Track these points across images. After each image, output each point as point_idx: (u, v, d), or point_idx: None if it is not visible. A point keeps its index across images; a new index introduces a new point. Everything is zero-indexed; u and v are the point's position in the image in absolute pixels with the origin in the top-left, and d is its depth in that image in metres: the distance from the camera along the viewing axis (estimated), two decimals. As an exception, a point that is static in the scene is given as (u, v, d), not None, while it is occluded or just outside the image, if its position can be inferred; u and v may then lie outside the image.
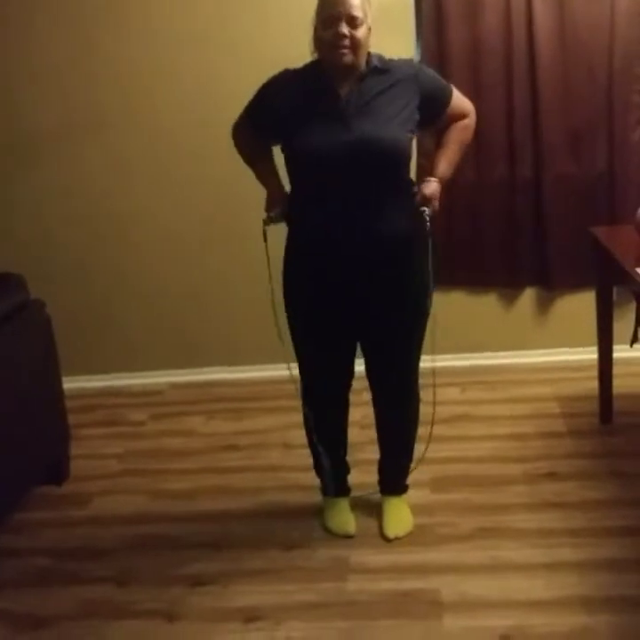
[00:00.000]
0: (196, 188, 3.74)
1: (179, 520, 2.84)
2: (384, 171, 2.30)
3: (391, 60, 2.38)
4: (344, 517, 2.70)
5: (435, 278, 2.42)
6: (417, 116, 2.34)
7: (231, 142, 2.54)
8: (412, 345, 2.52)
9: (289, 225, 2.46)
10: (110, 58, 3.61)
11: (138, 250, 3.84)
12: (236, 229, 3.44)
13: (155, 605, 2.40)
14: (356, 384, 2.62)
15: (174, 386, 3.93)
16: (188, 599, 2.42)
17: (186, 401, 3.80)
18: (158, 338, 3.94)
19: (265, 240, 2.42)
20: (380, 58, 2.37)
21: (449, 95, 2.43)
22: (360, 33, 2.25)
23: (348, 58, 2.27)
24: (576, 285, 3.67)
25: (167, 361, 3.97)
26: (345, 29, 2.23)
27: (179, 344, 3.95)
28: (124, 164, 3.74)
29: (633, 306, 3.12)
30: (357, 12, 2.23)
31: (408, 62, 2.44)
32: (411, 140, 2.34)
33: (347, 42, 2.24)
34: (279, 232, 2.46)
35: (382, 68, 2.34)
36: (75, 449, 3.22)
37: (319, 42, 2.29)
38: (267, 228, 2.42)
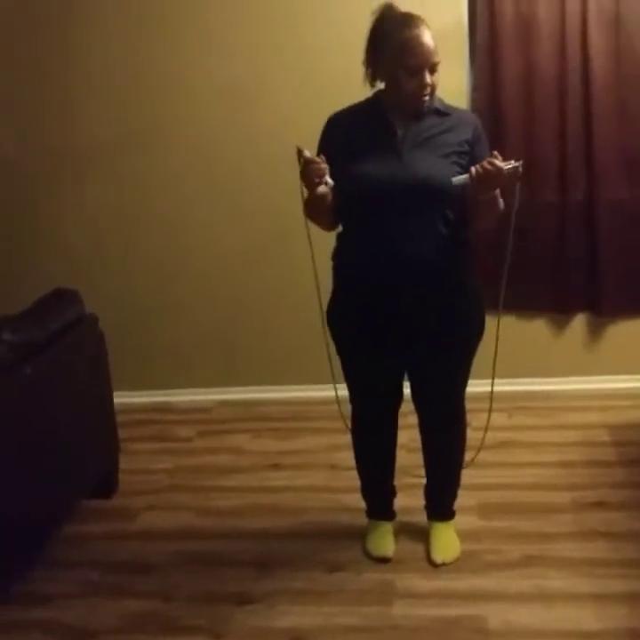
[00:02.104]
0: (248, 202, 3.77)
1: (224, 537, 2.86)
2: (435, 207, 2.31)
3: (451, 106, 2.41)
4: (385, 541, 2.69)
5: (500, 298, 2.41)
6: (466, 163, 2.32)
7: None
8: (459, 371, 2.52)
9: (338, 261, 2.47)
10: (166, 73, 3.66)
11: (189, 265, 3.88)
12: (288, 245, 3.45)
13: (200, 622, 2.42)
14: (403, 407, 2.62)
15: (222, 403, 3.96)
16: (233, 617, 2.43)
17: (233, 418, 3.82)
18: (207, 355, 3.97)
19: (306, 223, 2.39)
20: (441, 101, 2.39)
21: None
22: (436, 77, 2.28)
23: (429, 104, 2.31)
24: (629, 312, 3.63)
25: (215, 378, 3.99)
26: (429, 79, 2.26)
27: (227, 361, 3.97)
28: (177, 178, 3.79)
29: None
30: (437, 58, 2.26)
31: (470, 113, 2.49)
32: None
33: (429, 90, 2.28)
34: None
35: (442, 111, 2.37)
36: (123, 463, 3.26)
37: (400, 87, 2.28)
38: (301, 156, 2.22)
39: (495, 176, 2.18)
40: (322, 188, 2.24)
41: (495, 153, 2.21)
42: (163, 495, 3.17)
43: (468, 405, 2.61)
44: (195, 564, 2.71)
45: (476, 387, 2.61)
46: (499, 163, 2.18)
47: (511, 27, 3.46)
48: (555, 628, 2.27)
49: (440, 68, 2.31)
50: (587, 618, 2.30)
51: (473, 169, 2.20)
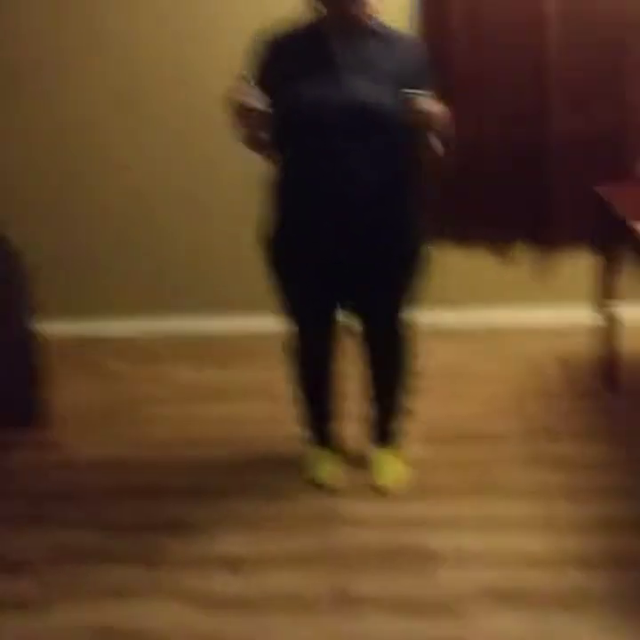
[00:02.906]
0: (181, 125, 3.64)
1: (158, 467, 2.79)
2: (376, 132, 2.24)
3: (393, 30, 2.34)
4: (329, 469, 2.65)
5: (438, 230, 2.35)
6: (408, 87, 2.22)
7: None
8: (404, 301, 2.48)
9: (278, 189, 2.38)
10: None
11: (125, 192, 3.74)
12: (230, 174, 3.34)
13: (136, 552, 2.35)
14: (348, 336, 2.56)
15: (159, 334, 3.83)
16: (171, 546, 2.36)
17: (168, 349, 3.72)
18: (142, 283, 3.84)
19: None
20: (382, 24, 2.32)
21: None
22: None
23: (365, 23, 2.24)
24: (578, 242, 3.57)
25: (151, 308, 3.86)
26: None
27: (164, 290, 3.84)
28: (110, 97, 3.63)
29: (635, 264, 3.05)
30: None
31: (412, 38, 2.45)
32: (401, 104, 2.20)
33: (367, 9, 2.21)
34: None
35: (383, 34, 2.30)
36: (54, 394, 3.12)
37: (336, 6, 2.22)
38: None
39: (435, 111, 2.16)
40: (263, 135, 2.15)
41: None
42: (94, 426, 3.06)
43: (418, 335, 2.57)
44: (129, 494, 2.63)
45: (422, 317, 2.57)
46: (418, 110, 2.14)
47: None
48: (502, 553, 2.26)
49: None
50: (536, 543, 2.29)
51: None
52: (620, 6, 3.38)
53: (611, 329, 3.12)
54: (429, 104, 2.15)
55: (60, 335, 3.64)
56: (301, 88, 2.24)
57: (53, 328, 3.52)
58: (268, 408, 3.10)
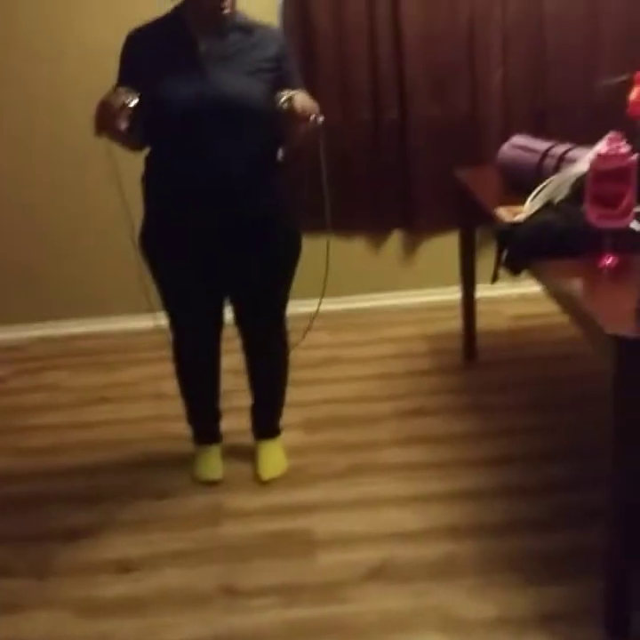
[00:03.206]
0: (52, 132, 3.58)
1: (45, 476, 2.77)
2: (242, 125, 2.26)
3: (256, 22, 2.35)
4: (211, 464, 2.70)
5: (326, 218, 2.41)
6: (272, 80, 2.29)
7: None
8: (279, 293, 2.53)
9: (148, 184, 2.39)
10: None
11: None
12: (92, 170, 3.31)
13: (25, 563, 2.34)
14: (228, 331, 2.60)
15: (37, 340, 3.80)
16: (60, 554, 2.37)
17: (50, 355, 3.68)
18: (18, 290, 3.78)
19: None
20: (245, 17, 2.33)
21: (300, 87, 2.33)
22: None
23: (228, 17, 2.24)
24: (440, 226, 3.74)
25: (29, 314, 3.81)
26: None
27: (40, 296, 3.80)
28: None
29: (494, 246, 3.21)
30: None
31: (275, 30, 2.45)
32: (267, 96, 2.26)
33: (228, 2, 2.21)
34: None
35: (246, 27, 2.31)
36: None
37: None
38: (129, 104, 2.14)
39: (309, 103, 2.21)
40: (122, 125, 2.11)
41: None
42: (-23, 438, 3.02)
43: (292, 325, 2.62)
44: (15, 506, 2.61)
45: (298, 307, 2.63)
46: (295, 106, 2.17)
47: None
48: (378, 531, 2.36)
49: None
50: (409, 519, 2.40)
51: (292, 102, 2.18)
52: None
53: (471, 308, 3.28)
54: (299, 98, 2.19)
55: None
56: (166, 82, 2.23)
57: None
58: (155, 407, 3.13)
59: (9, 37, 3.48)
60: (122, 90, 2.16)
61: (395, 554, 2.26)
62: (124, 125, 2.11)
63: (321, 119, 2.23)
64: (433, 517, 2.40)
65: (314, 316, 2.56)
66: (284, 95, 2.21)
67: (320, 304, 2.55)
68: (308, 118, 2.19)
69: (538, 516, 2.37)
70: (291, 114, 2.19)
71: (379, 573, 2.20)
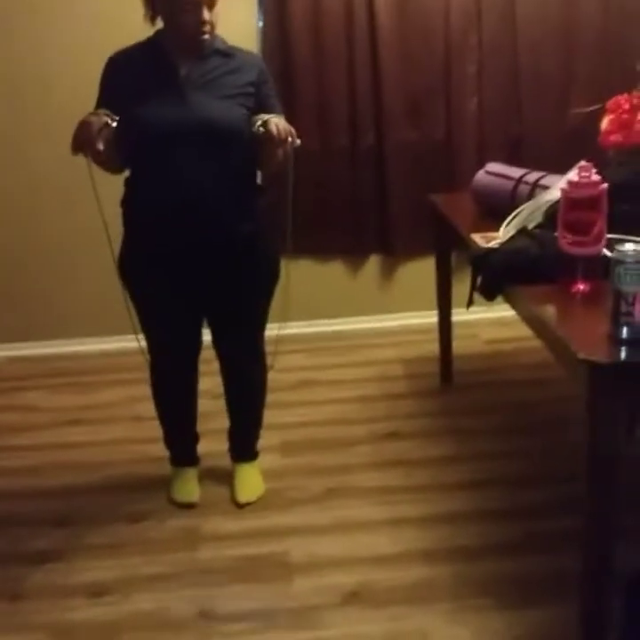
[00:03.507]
0: (28, 152, 3.59)
1: (19, 497, 2.75)
2: (222, 149, 2.27)
3: (235, 47, 2.37)
4: (188, 486, 2.69)
5: (288, 243, 2.42)
6: (252, 105, 2.32)
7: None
8: (258, 313, 2.54)
9: (127, 207, 2.40)
10: None
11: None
12: (73, 192, 3.32)
13: (-5, 585, 2.32)
14: (206, 354, 2.60)
15: (12, 360, 3.78)
16: (31, 577, 2.35)
17: (25, 375, 3.65)
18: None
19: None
20: (224, 42, 2.35)
21: (278, 114, 2.36)
22: (216, 13, 2.23)
23: (208, 42, 2.26)
24: (417, 251, 3.78)
25: (4, 334, 3.79)
26: (207, 15, 2.20)
27: (16, 316, 3.78)
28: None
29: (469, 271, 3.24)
30: None
31: (254, 55, 2.46)
32: (247, 120, 2.29)
33: (208, 27, 2.23)
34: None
35: (226, 52, 2.33)
36: None
37: (177, 24, 2.23)
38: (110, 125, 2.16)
39: (286, 127, 2.22)
40: (100, 146, 2.12)
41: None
42: (-50, 460, 3.00)
43: (269, 348, 2.63)
44: (-12, 528, 2.59)
45: (276, 330, 2.64)
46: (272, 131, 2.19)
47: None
48: (354, 556, 2.37)
49: (228, 8, 2.28)
50: (384, 543, 2.41)
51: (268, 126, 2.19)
52: (445, 27, 3.57)
53: (447, 332, 3.31)
54: (275, 122, 2.21)
55: None
56: (146, 105, 2.24)
57: None
58: (132, 429, 3.13)
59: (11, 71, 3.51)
60: (101, 111, 2.18)
61: (370, 578, 2.27)
62: (101, 146, 2.12)
63: (297, 142, 2.25)
64: (408, 541, 2.41)
65: (277, 340, 2.59)
66: (260, 119, 2.23)
67: (280, 328, 2.59)
68: (284, 142, 2.21)
69: (512, 539, 2.39)
70: (266, 137, 2.21)
71: (355, 598, 2.20)
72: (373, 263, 3.88)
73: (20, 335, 3.81)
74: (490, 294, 2.24)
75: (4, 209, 3.65)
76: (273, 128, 2.19)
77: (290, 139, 2.22)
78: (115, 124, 2.15)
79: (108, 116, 2.16)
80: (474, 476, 2.71)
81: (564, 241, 2.03)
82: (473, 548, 2.37)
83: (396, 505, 2.59)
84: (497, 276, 2.20)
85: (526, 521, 2.46)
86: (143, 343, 2.55)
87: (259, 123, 2.22)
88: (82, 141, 2.13)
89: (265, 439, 2.79)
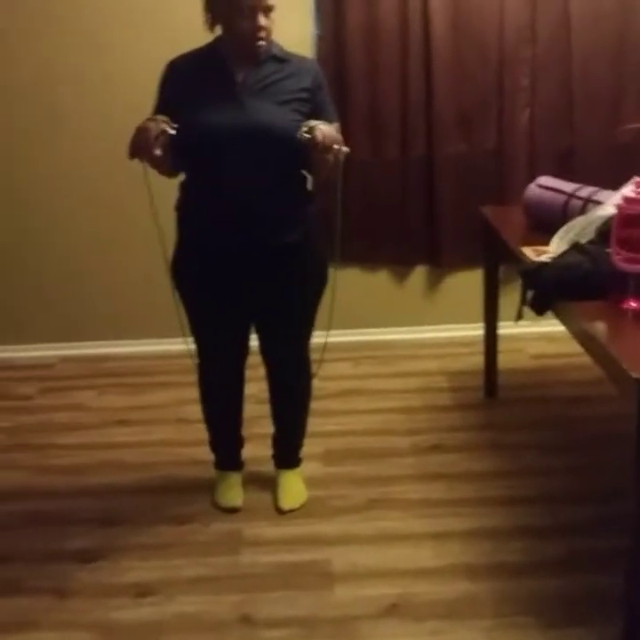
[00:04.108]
0: (84, 156, 3.65)
1: (68, 496, 2.79)
2: (276, 155, 2.29)
3: (291, 53, 2.39)
4: (232, 491, 2.71)
5: (335, 251, 2.43)
6: (307, 110, 2.33)
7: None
8: (304, 321, 2.55)
9: (181, 211, 2.43)
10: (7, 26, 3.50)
11: (25, 219, 3.72)
12: (130, 196, 3.37)
13: (44, 582, 2.36)
14: (252, 359, 2.63)
15: (64, 359, 3.84)
16: (78, 575, 2.39)
17: (76, 375, 3.72)
18: (49, 309, 3.84)
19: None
20: (281, 48, 2.37)
21: (333, 120, 2.38)
22: (272, 19, 2.25)
23: (264, 48, 2.28)
24: (465, 263, 3.77)
25: (57, 334, 3.87)
26: (263, 21, 2.22)
27: (69, 316, 3.85)
28: (16, 129, 3.61)
29: (519, 284, 3.22)
30: (271, 1, 2.22)
31: (310, 60, 2.47)
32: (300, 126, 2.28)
33: (264, 33, 2.24)
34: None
35: (281, 58, 2.35)
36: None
37: (234, 29, 2.26)
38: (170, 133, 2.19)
39: (332, 134, 2.21)
40: (157, 152, 2.17)
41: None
42: (2, 454, 3.06)
43: (314, 356, 2.64)
44: (36, 524, 2.64)
45: (322, 338, 2.63)
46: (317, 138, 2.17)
47: (356, -22, 3.47)
48: (395, 567, 2.36)
49: (285, 16, 2.30)
50: (426, 556, 2.41)
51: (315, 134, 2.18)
52: (499, 39, 3.55)
53: (493, 345, 3.30)
54: (321, 129, 2.19)
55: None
56: (202, 111, 2.27)
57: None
58: (177, 431, 3.16)
59: (59, 67, 3.56)
60: (160, 117, 2.22)
61: (411, 591, 2.27)
62: (159, 152, 2.16)
63: (345, 150, 2.23)
64: (450, 555, 2.41)
65: (324, 348, 2.59)
66: (306, 125, 2.23)
67: (328, 336, 2.58)
68: (329, 149, 2.20)
69: (555, 557, 2.37)
70: (311, 144, 2.20)
71: (395, 610, 2.20)
72: (420, 274, 3.87)
73: (72, 335, 3.87)
74: (540, 309, 2.23)
75: (59, 210, 3.71)
76: (318, 134, 2.18)
77: (336, 146, 2.20)
78: (173, 132, 2.19)
79: (166, 122, 2.20)
80: (517, 492, 2.70)
81: (617, 257, 2.02)
82: (516, 564, 2.36)
83: (439, 518, 2.58)
84: (548, 291, 2.19)
85: (570, 538, 2.44)
86: (191, 346, 2.58)
87: (304, 129, 2.21)
88: (139, 147, 2.17)
89: (308, 447, 2.80)
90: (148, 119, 2.23)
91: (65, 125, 3.61)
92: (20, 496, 2.80)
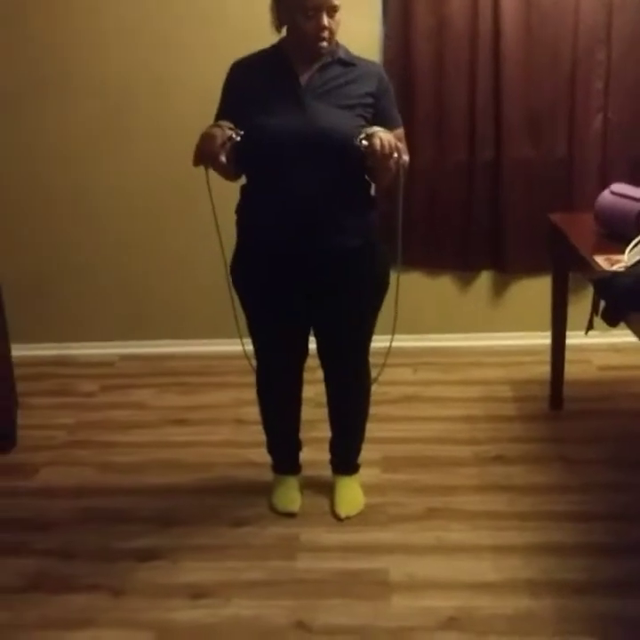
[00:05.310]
0: (149, 159, 3.67)
1: (126, 494, 2.81)
2: (338, 160, 2.26)
3: (357, 57, 2.36)
4: (290, 495, 2.70)
5: (397, 256, 2.39)
6: (370, 116, 2.30)
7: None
8: (364, 326, 2.52)
9: (241, 214, 2.43)
10: (80, 26, 3.52)
11: (89, 218, 3.77)
12: (191, 198, 3.40)
13: (100, 580, 2.38)
14: (310, 361, 2.61)
15: (125, 357, 3.88)
16: (134, 574, 2.40)
17: (137, 373, 3.75)
18: (110, 308, 3.88)
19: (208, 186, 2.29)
20: (347, 51, 2.35)
21: (397, 126, 2.36)
22: (336, 21, 2.23)
23: (327, 48, 2.26)
24: (531, 270, 3.69)
25: (118, 332, 3.91)
26: (326, 21, 2.20)
27: (131, 315, 3.89)
28: (80, 134, 3.66)
29: (588, 292, 3.14)
30: (337, 1, 2.20)
31: (375, 64, 2.43)
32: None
33: (327, 34, 2.22)
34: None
35: (347, 61, 2.32)
36: (23, 418, 3.18)
37: (298, 30, 2.24)
38: (232, 140, 2.18)
39: (391, 141, 2.16)
40: (223, 159, 2.16)
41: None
42: (63, 451, 3.10)
43: (375, 360, 2.61)
44: (95, 521, 2.66)
45: (382, 342, 2.61)
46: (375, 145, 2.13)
47: (425, -20, 3.43)
48: (454, 579, 2.32)
49: (352, 16, 2.26)
50: (486, 569, 2.36)
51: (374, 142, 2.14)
52: (572, 41, 3.47)
53: (560, 355, 3.21)
54: (380, 136, 2.14)
55: (33, 358, 3.72)
56: (264, 113, 2.25)
57: (26, 351, 3.61)
58: (235, 432, 3.17)
59: (133, 73, 3.60)
60: (225, 124, 2.21)
61: (471, 604, 2.22)
62: (224, 159, 2.15)
63: (405, 160, 2.20)
64: (511, 569, 2.35)
65: (387, 353, 2.56)
66: (364, 131, 2.19)
67: (392, 341, 2.55)
68: (387, 157, 2.15)
69: (620, 576, 2.30)
70: (369, 152, 2.16)
71: (453, 623, 2.16)
72: (484, 279, 3.81)
73: (133, 333, 3.91)
74: (613, 320, 2.16)
75: (121, 211, 3.75)
76: (376, 142, 2.14)
77: (395, 154, 2.16)
78: (239, 138, 2.18)
79: (231, 129, 2.19)
80: (581, 507, 2.63)
81: (696, 270, 1.94)
82: (579, 582, 2.29)
83: (500, 531, 2.53)
84: (621, 302, 2.13)
85: (635, 558, 2.37)
86: (247, 347, 2.58)
87: (362, 135, 2.18)
88: (205, 154, 2.17)
89: (366, 453, 2.77)
90: (213, 125, 2.23)
91: (128, 128, 3.65)
92: (80, 493, 2.82)
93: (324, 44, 2.24)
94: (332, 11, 2.20)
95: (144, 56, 3.55)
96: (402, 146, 2.22)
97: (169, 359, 3.84)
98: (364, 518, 2.62)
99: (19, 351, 3.26)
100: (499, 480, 2.80)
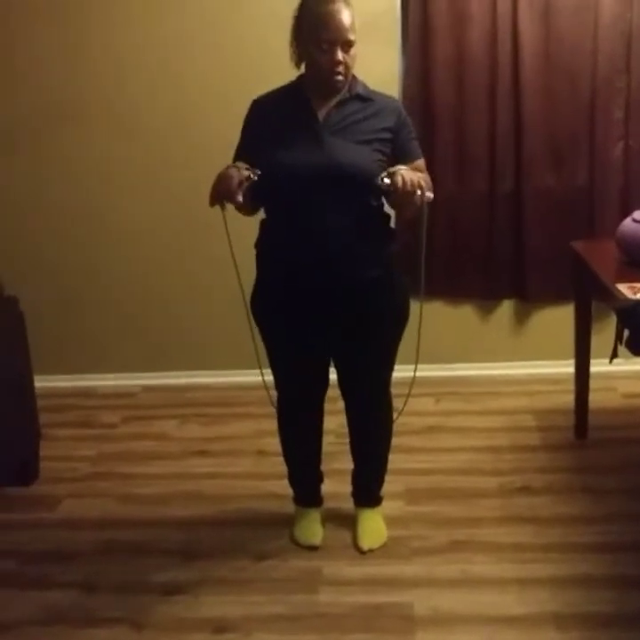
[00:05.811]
0: (171, 190, 3.71)
1: (148, 526, 2.80)
2: (356, 194, 2.27)
3: (375, 92, 2.37)
4: (312, 528, 2.68)
5: (420, 288, 2.40)
6: (389, 151, 2.31)
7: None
8: (384, 357, 2.51)
9: (260, 249, 2.43)
10: (95, 54, 3.57)
11: (111, 250, 3.80)
12: (211, 232, 3.43)
13: (122, 613, 2.36)
14: (331, 392, 2.60)
15: (147, 389, 3.89)
16: (157, 608, 2.38)
17: (158, 404, 3.76)
18: (131, 340, 3.90)
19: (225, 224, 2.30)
20: (365, 86, 2.36)
21: (416, 158, 2.37)
22: (351, 55, 2.25)
23: (343, 82, 2.27)
24: (554, 298, 3.68)
25: (140, 363, 3.93)
26: (341, 56, 2.22)
27: (153, 346, 3.90)
28: (102, 162, 3.70)
29: (611, 320, 3.11)
30: (352, 36, 2.21)
31: (393, 100, 2.44)
32: (382, 166, 2.27)
33: (342, 68, 2.24)
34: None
35: (365, 96, 2.34)
36: (45, 449, 3.19)
37: (314, 64, 2.26)
38: (249, 182, 2.19)
39: (414, 178, 2.16)
40: (239, 199, 2.17)
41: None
42: (85, 482, 3.10)
43: (396, 391, 2.60)
44: (117, 554, 2.66)
45: (403, 372, 2.59)
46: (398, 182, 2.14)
47: (443, 13, 3.45)
48: (480, 613, 2.29)
49: (372, 51, 2.27)
50: (511, 602, 2.32)
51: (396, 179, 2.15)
52: (592, 70, 3.48)
53: (584, 384, 3.18)
54: (403, 175, 2.14)
55: (55, 390, 3.75)
56: (283, 148, 2.27)
57: (48, 383, 3.63)
58: (254, 464, 3.16)
59: (148, 102, 3.65)
60: (242, 165, 2.22)
61: (496, 638, 2.18)
62: (240, 199, 2.16)
63: (429, 196, 2.20)
64: (537, 603, 2.31)
65: (412, 383, 2.54)
66: (386, 171, 2.19)
67: (416, 371, 2.52)
68: (410, 194, 2.16)
69: (649, 610, 2.26)
70: (391, 191, 2.17)
71: (478, 658, 2.13)
72: (507, 308, 3.79)
73: (155, 365, 3.93)
74: (638, 348, 2.14)
75: (143, 241, 3.78)
76: (398, 179, 2.14)
77: (419, 192, 2.17)
78: (256, 178, 2.19)
79: (249, 169, 2.20)
80: (608, 539, 2.58)
81: None
82: (606, 615, 2.25)
83: (526, 563, 2.49)
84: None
85: (666, 591, 2.32)
86: (267, 378, 2.57)
87: (384, 174, 2.18)
88: (221, 195, 2.19)
89: (389, 484, 2.75)
90: (230, 166, 2.24)
91: (148, 158, 3.69)
92: (102, 525, 2.82)
93: (340, 77, 2.25)
94: (347, 45, 2.22)
95: (162, 85, 3.59)
96: (425, 180, 2.22)
97: (190, 390, 3.85)
98: (387, 551, 2.59)
99: (41, 382, 3.28)
100: (523, 511, 2.76)
